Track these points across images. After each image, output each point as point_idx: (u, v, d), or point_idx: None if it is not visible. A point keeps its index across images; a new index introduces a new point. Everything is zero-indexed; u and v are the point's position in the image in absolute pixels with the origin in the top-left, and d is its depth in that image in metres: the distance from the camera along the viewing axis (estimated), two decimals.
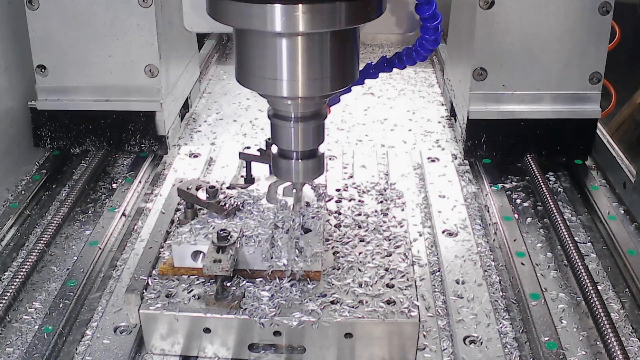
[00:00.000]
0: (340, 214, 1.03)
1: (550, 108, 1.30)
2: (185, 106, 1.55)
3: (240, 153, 1.07)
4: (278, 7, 0.70)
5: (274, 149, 0.86)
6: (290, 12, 0.70)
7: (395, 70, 0.90)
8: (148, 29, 1.28)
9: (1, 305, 0.96)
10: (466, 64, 1.34)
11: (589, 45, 1.26)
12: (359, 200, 1.06)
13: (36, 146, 1.38)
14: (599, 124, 1.37)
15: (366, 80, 0.92)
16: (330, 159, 1.34)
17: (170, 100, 1.40)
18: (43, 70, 1.33)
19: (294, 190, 0.93)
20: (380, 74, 0.93)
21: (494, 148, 1.34)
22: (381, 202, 1.06)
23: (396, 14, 0.87)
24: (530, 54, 1.27)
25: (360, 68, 0.87)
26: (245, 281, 0.90)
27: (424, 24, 0.79)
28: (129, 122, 1.36)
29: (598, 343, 0.91)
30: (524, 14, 1.24)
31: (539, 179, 1.25)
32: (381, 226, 1.00)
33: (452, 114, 1.51)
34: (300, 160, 0.85)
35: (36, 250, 1.07)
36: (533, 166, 1.29)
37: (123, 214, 1.18)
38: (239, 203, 0.97)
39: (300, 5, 0.70)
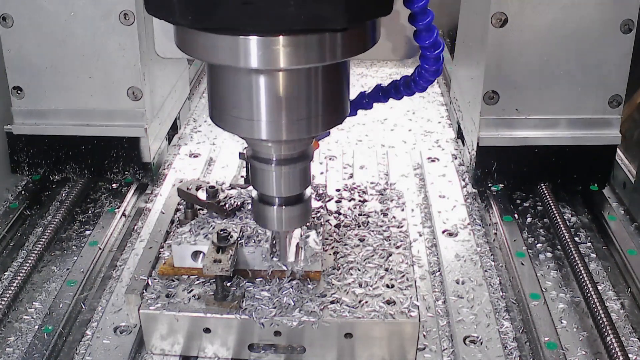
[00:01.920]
0: (340, 214, 1.03)
1: (567, 134, 1.20)
2: (174, 128, 1.45)
3: (240, 153, 1.06)
4: (254, 40, 0.60)
5: (254, 193, 0.79)
6: (269, 46, 0.60)
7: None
8: (130, 48, 1.18)
9: (1, 305, 0.96)
10: (476, 86, 1.23)
11: (610, 66, 1.16)
12: (359, 200, 1.06)
13: (14, 172, 1.29)
14: None
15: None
16: (330, 159, 1.34)
17: (156, 124, 1.30)
18: (19, 92, 1.23)
19: (278, 240, 0.86)
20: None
21: (506, 177, 1.24)
22: (381, 202, 1.06)
23: (392, 40, 0.77)
24: (545, 75, 1.17)
25: (353, 97, 0.80)
26: (245, 281, 0.90)
27: (423, 52, 0.72)
28: (112, 148, 1.26)
29: (598, 343, 0.91)
30: (540, 32, 1.14)
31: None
32: (381, 226, 1.00)
33: (460, 136, 1.42)
34: (283, 207, 0.77)
35: (36, 250, 1.07)
36: (547, 196, 1.20)
37: (123, 214, 1.18)
38: (239, 203, 0.97)
39: (280, 37, 0.60)
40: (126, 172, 1.29)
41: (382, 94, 0.83)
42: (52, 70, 1.22)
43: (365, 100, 0.84)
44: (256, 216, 0.80)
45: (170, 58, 0.81)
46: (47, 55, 1.20)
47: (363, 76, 1.76)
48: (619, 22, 1.14)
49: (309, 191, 0.79)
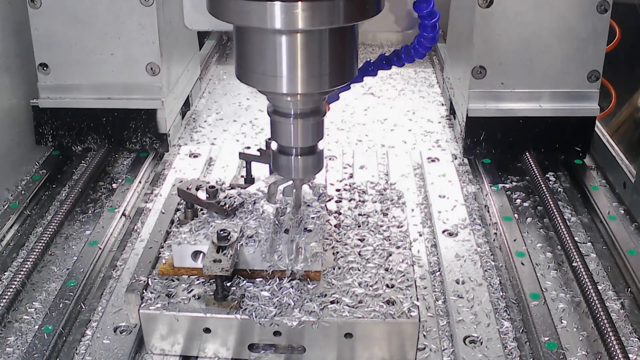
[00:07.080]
0: (340, 214, 1.03)
1: (549, 106, 1.31)
2: (186, 104, 1.56)
3: (240, 153, 1.07)
4: (278, 5, 0.71)
5: (274, 145, 0.87)
6: (290, 10, 0.71)
7: (395, 70, 0.91)
8: (150, 27, 1.29)
9: (1, 305, 0.96)
10: (465, 63, 1.34)
11: (587, 44, 1.26)
12: (359, 200, 1.06)
13: (38, 144, 1.38)
14: (598, 124, 1.37)
15: (366, 80, 0.92)
16: (330, 159, 1.34)
17: (171, 98, 1.40)
18: (45, 68, 1.33)
19: (295, 190, 0.93)
20: (380, 73, 0.92)
21: (493, 146, 1.34)
22: (381, 202, 1.06)
23: (395, 12, 0.87)
24: (529, 52, 1.27)
25: (360, 66, 0.88)
26: (245, 281, 0.90)
27: (421, 21, 0.80)
28: (131, 120, 1.37)
29: (598, 343, 0.91)
30: (523, 12, 1.25)
31: (539, 179, 1.25)
32: (381, 226, 1.00)
33: (452, 112, 1.52)
34: (299, 157, 0.86)
35: (36, 250, 1.07)
36: (532, 164, 1.29)
37: (123, 214, 1.18)
38: (238, 203, 0.97)
39: (299, 2, 0.71)
40: (143, 143, 1.38)
41: (385, 62, 0.91)
42: (76, 48, 1.31)
43: (371, 68, 0.93)
44: (275, 166, 0.89)
45: (198, 30, 0.89)
46: (72, 34, 1.30)
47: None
48: (595, 3, 1.23)
49: (321, 144, 0.87)
